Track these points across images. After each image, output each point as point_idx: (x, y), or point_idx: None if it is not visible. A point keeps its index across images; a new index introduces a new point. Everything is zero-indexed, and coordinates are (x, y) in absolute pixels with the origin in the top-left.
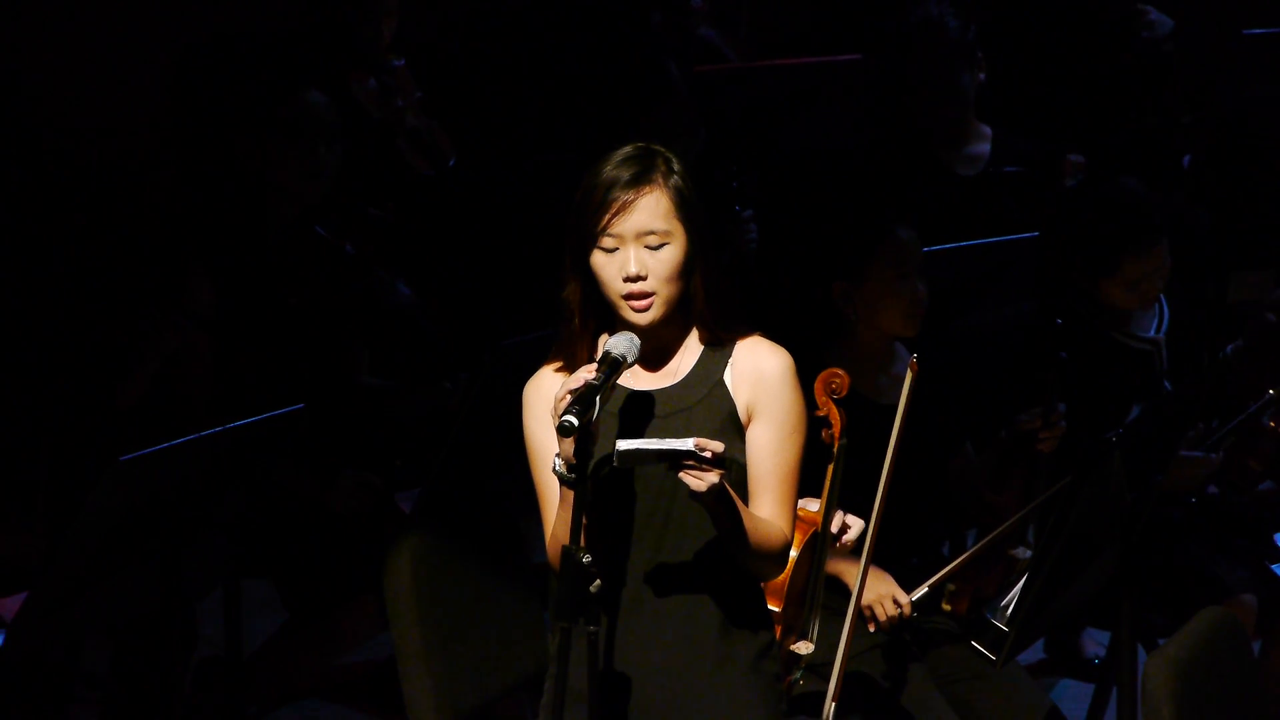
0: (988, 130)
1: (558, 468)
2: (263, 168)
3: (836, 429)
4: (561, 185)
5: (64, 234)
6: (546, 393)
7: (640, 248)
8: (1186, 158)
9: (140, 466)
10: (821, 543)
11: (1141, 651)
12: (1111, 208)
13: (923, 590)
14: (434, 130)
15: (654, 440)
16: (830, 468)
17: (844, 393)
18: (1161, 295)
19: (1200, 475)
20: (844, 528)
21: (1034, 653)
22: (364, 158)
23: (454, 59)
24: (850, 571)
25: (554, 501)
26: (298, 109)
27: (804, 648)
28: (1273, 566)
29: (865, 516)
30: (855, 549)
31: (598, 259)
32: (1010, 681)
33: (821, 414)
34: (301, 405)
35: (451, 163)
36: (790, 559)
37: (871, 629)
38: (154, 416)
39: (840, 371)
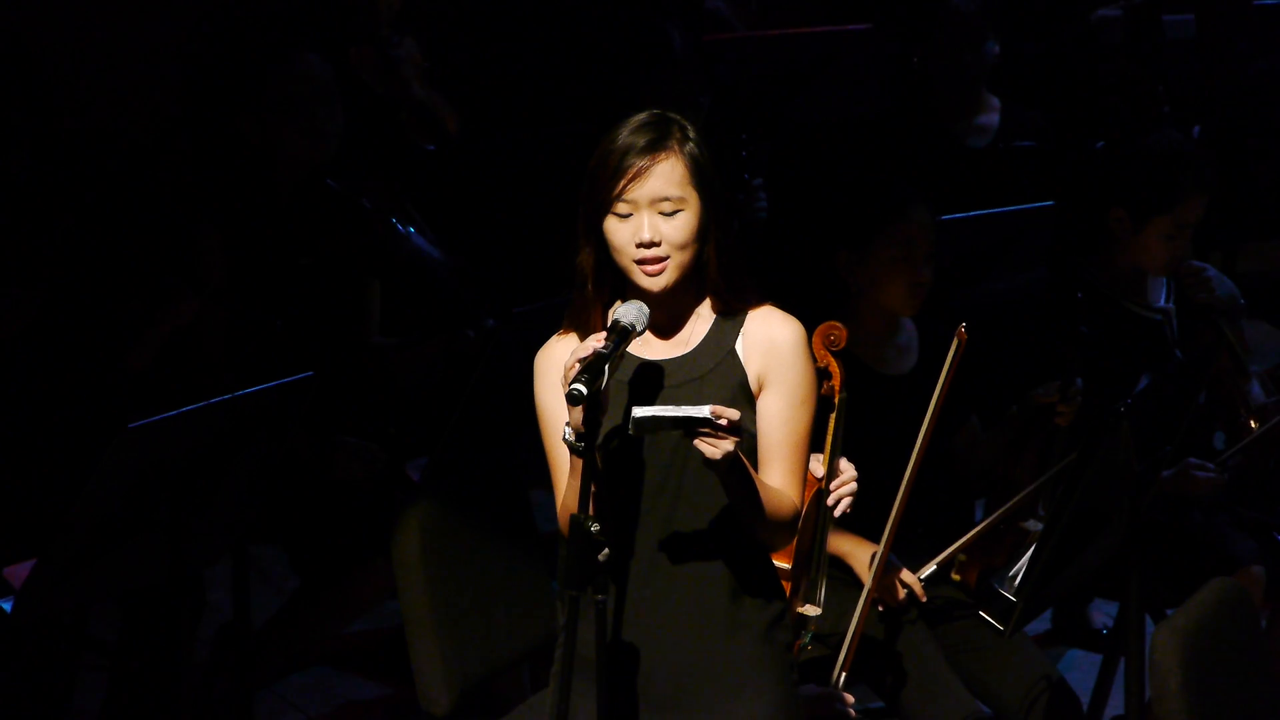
0: (996, 101)
1: (568, 436)
2: (266, 137)
3: (837, 381)
4: (565, 154)
5: (77, 203)
6: (557, 361)
7: (654, 214)
8: (1196, 129)
9: (149, 433)
10: (820, 500)
11: (1149, 622)
12: (1162, 154)
13: (931, 568)
14: (438, 103)
15: (670, 407)
16: (832, 420)
17: (842, 345)
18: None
19: (1208, 489)
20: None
21: (1042, 623)
22: (366, 132)
23: (457, 28)
24: (855, 553)
25: (564, 470)
26: (290, 75)
27: (811, 610)
28: None
29: (869, 487)
30: (861, 524)
31: (611, 225)
32: (1018, 652)
33: (821, 365)
34: (311, 373)
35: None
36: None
37: (881, 610)
38: (164, 383)
39: (838, 324)
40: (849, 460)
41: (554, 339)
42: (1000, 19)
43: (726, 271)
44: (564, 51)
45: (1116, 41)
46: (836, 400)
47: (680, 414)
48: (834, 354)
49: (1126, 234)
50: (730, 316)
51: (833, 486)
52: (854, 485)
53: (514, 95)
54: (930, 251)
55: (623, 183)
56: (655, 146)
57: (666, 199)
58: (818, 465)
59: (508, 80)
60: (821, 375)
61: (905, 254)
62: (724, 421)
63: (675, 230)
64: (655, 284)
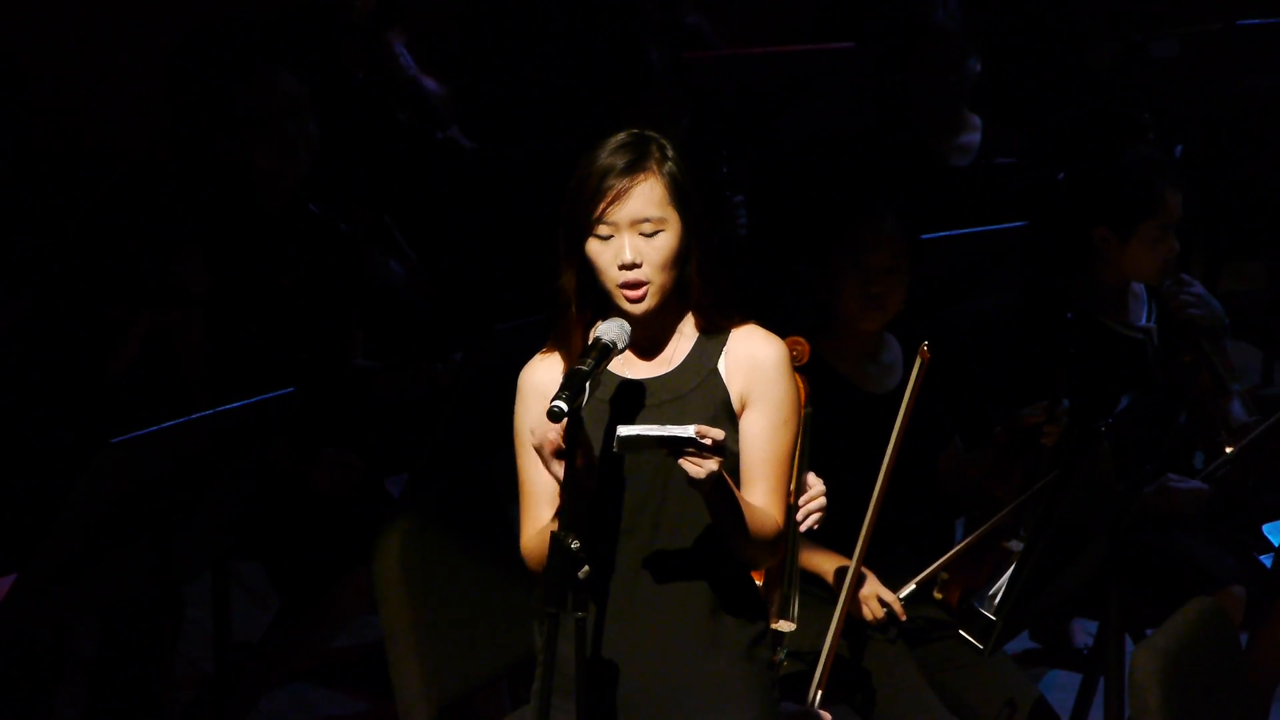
0: (977, 120)
1: (556, 406)
2: (238, 152)
3: (802, 396)
4: (547, 172)
5: (58, 215)
6: (539, 382)
7: (635, 235)
8: (1178, 148)
9: (131, 449)
10: (790, 514)
11: (1129, 641)
12: (1133, 165)
13: (911, 587)
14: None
15: (654, 426)
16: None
17: (804, 360)
18: (1144, 287)
19: (1192, 506)
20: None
21: (1021, 642)
22: (355, 149)
23: (436, 47)
24: (827, 567)
25: (532, 493)
26: (258, 90)
27: (785, 626)
28: (1261, 558)
29: (852, 504)
30: (841, 541)
31: (593, 247)
32: (998, 670)
33: None
34: (294, 389)
35: (452, 130)
36: None
37: (863, 626)
38: (146, 399)
39: (801, 339)
40: (834, 478)
41: (537, 358)
42: (989, 40)
43: (709, 290)
44: (544, 70)
45: (1105, 67)
46: (801, 415)
47: (665, 433)
48: (798, 369)
49: (1113, 250)
50: (713, 335)
51: (801, 502)
52: (823, 500)
53: (494, 114)
54: (892, 265)
55: (603, 205)
56: (634, 167)
57: (647, 220)
58: None
59: (487, 99)
60: None
61: (856, 262)
62: (708, 441)
63: (656, 251)
64: (637, 309)
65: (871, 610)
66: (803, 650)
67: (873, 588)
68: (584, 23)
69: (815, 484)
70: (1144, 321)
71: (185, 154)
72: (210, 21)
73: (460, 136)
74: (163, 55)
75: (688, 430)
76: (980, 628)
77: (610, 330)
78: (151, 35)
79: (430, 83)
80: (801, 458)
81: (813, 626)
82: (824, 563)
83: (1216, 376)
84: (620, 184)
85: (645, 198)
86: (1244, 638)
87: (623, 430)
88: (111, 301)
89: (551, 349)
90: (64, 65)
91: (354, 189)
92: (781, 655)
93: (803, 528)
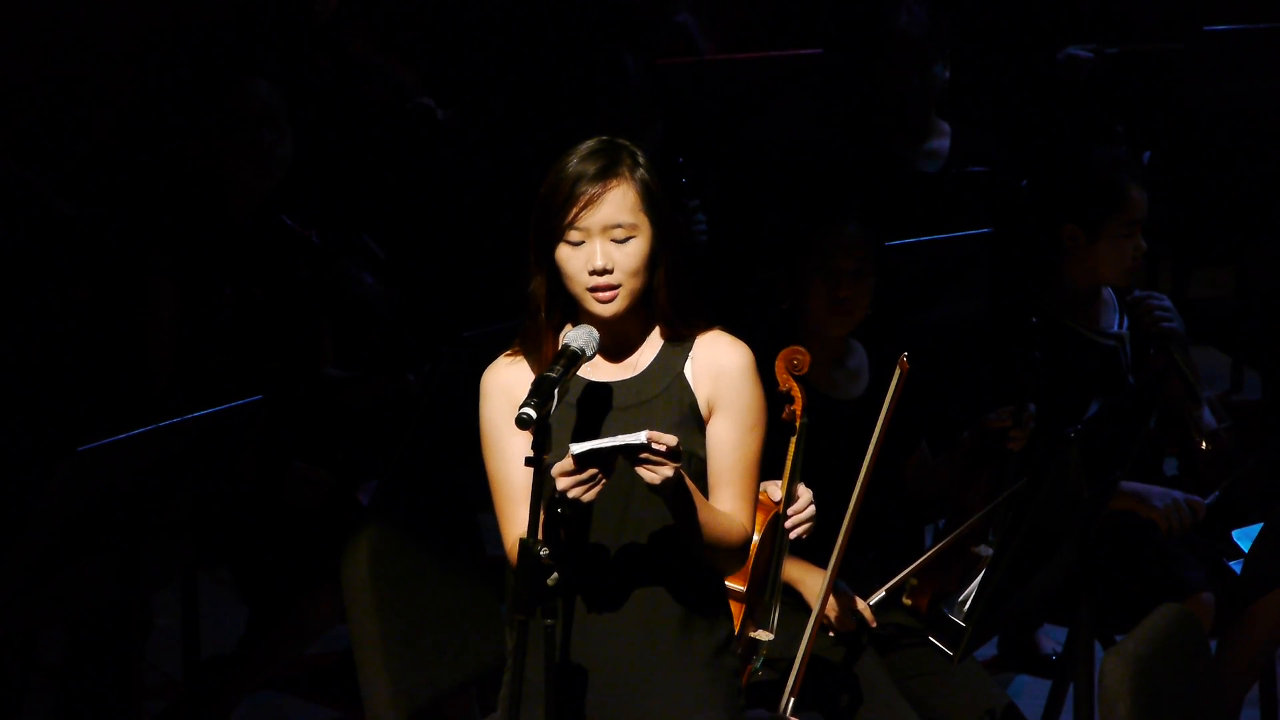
0: (947, 127)
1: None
2: (213, 162)
3: (799, 405)
4: (520, 178)
5: (24, 229)
6: (504, 382)
7: (606, 241)
8: (1146, 154)
9: (98, 457)
10: (779, 524)
11: (1099, 648)
12: (1098, 162)
13: (880, 593)
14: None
15: (606, 439)
16: (792, 444)
17: (805, 370)
18: (1113, 292)
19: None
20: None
21: (991, 649)
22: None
23: (412, 53)
24: (805, 580)
25: (510, 493)
26: (234, 99)
27: (763, 636)
28: (1231, 564)
29: (824, 513)
30: (810, 549)
31: (563, 252)
32: (967, 677)
33: (783, 390)
34: (261, 397)
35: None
36: (753, 542)
37: (831, 635)
38: (114, 406)
39: (802, 349)
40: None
41: (502, 359)
42: (959, 47)
43: (675, 296)
44: (519, 77)
45: (1081, 80)
46: (798, 425)
47: (617, 443)
48: (796, 379)
49: (1081, 249)
50: (679, 341)
51: (790, 512)
52: (812, 510)
53: (468, 119)
54: (858, 269)
55: (575, 210)
56: (607, 174)
57: (619, 225)
58: (775, 490)
59: (462, 105)
60: (784, 399)
61: (822, 266)
62: (661, 447)
63: (628, 257)
64: (607, 310)
65: (842, 621)
66: (774, 658)
67: (846, 599)
68: (559, 28)
69: (805, 494)
70: (1115, 329)
71: (156, 160)
72: (178, 26)
73: (430, 103)
74: (131, 59)
75: (639, 437)
76: (950, 634)
77: (579, 337)
78: (120, 39)
79: (398, 70)
80: (794, 468)
81: (785, 634)
82: (796, 571)
83: (1187, 384)
84: (593, 190)
85: (618, 204)
86: (1214, 644)
87: (575, 448)
88: (79, 314)
89: (516, 352)
90: (27, 75)
91: (327, 200)
92: (757, 664)
93: (791, 536)
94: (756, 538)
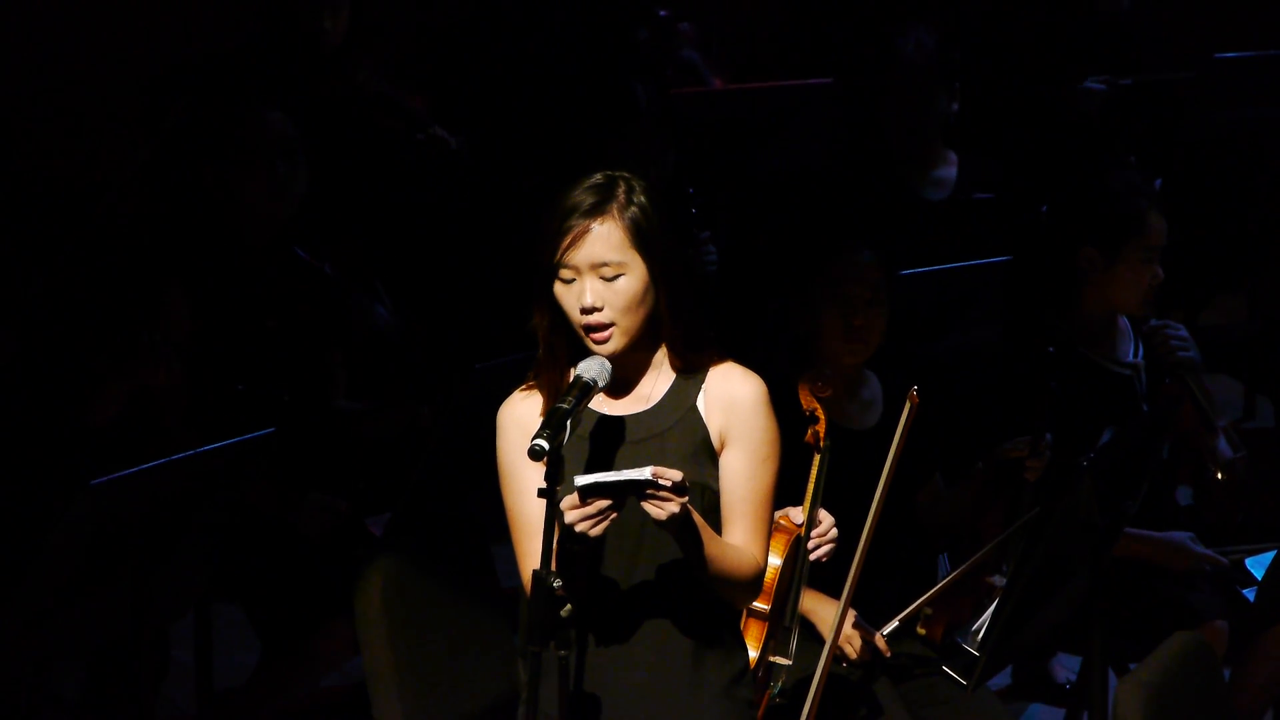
0: (953, 155)
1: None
2: (228, 192)
3: (822, 428)
4: (532, 209)
5: (40, 255)
6: (519, 417)
7: (595, 278)
8: (1158, 181)
9: (111, 490)
10: (799, 549)
11: (1112, 676)
12: (1118, 186)
13: (894, 624)
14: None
15: (611, 473)
16: (814, 466)
17: (829, 393)
18: (1129, 323)
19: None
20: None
21: (1004, 677)
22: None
23: (423, 82)
24: (818, 610)
25: (525, 527)
26: (250, 129)
27: (783, 660)
28: (1244, 591)
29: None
30: (824, 579)
31: (559, 289)
32: (981, 706)
33: (807, 411)
34: (273, 429)
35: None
36: (774, 567)
37: (845, 666)
38: (126, 440)
39: (826, 371)
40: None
41: (517, 394)
42: (969, 76)
43: (683, 329)
44: (530, 109)
45: (1094, 112)
46: (821, 446)
47: (622, 478)
48: (820, 400)
49: (1098, 273)
50: (691, 373)
51: (813, 535)
52: (835, 533)
53: (481, 150)
54: (872, 298)
55: (563, 246)
56: (595, 210)
57: (606, 264)
58: (797, 513)
59: (474, 135)
60: (807, 421)
61: (837, 295)
62: (666, 483)
63: (617, 295)
64: (604, 350)
65: (856, 650)
66: (788, 687)
67: (857, 628)
68: (572, 59)
69: (826, 519)
70: (1131, 358)
71: (169, 192)
72: (189, 56)
73: (443, 133)
74: (144, 91)
75: (644, 473)
76: (964, 663)
77: (591, 368)
78: (132, 71)
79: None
80: (816, 491)
81: (800, 664)
82: (809, 602)
83: (1202, 413)
84: (579, 226)
85: (604, 241)
86: (1227, 672)
87: (580, 480)
88: (94, 352)
89: (531, 386)
90: (44, 100)
91: (341, 233)
92: (775, 690)
93: (813, 557)
94: (778, 562)
